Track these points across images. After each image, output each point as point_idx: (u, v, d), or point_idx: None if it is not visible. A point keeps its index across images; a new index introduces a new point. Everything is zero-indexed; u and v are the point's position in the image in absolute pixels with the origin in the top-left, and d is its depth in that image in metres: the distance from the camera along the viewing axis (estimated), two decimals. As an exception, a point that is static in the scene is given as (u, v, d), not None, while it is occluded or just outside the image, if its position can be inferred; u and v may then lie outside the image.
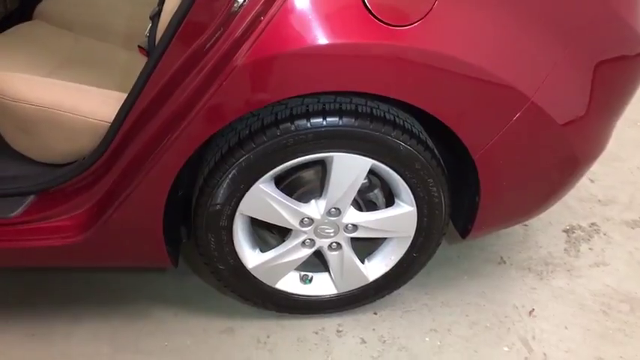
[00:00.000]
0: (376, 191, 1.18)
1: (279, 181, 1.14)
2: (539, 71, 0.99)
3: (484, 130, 1.03)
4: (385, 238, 1.26)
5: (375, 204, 1.19)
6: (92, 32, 1.47)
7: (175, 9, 0.94)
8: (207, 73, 0.93)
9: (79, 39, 1.42)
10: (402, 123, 1.03)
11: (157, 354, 1.22)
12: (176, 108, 0.97)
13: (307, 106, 0.99)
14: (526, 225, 1.65)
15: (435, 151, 1.10)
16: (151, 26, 1.13)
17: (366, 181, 1.15)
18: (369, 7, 0.87)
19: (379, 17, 0.87)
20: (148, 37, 1.14)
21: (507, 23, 0.95)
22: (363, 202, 1.19)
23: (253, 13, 0.88)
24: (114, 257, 1.19)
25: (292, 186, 1.15)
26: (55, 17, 1.49)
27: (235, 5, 0.90)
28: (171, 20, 0.94)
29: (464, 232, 1.26)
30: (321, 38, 0.87)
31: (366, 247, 1.29)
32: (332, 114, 0.99)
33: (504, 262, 1.53)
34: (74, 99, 1.10)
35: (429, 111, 0.98)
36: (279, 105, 1.00)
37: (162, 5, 1.08)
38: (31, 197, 1.13)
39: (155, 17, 1.11)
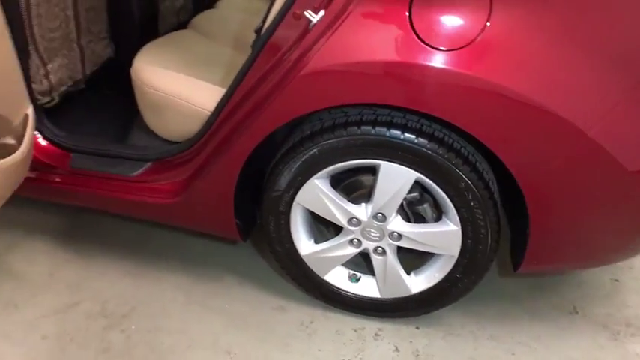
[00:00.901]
0: (425, 206, 1.23)
1: (340, 182, 1.27)
2: (597, 106, 0.96)
3: (529, 158, 1.03)
4: (434, 255, 1.29)
5: (423, 218, 1.24)
6: (226, 41, 1.77)
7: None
8: (281, 76, 1.11)
9: (213, 45, 1.72)
10: (450, 142, 1.08)
11: (218, 312, 1.43)
12: (256, 101, 1.16)
13: (362, 116, 1.11)
14: (617, 280, 1.51)
15: (485, 174, 1.12)
16: (255, 38, 1.36)
17: (416, 194, 1.22)
18: (416, 30, 0.96)
19: (425, 40, 0.96)
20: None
21: (562, 53, 0.95)
22: (412, 214, 1.25)
23: (319, 32, 1.04)
24: (196, 221, 1.44)
25: (350, 187, 1.27)
26: (203, 28, 1.83)
27: (310, 25, 1.07)
28: (262, 35, 1.15)
29: (515, 265, 1.23)
30: (368, 55, 0.99)
31: (416, 259, 1.34)
32: (381, 125, 1.09)
33: (576, 313, 1.42)
34: (190, 91, 1.37)
35: (471, 133, 1.02)
36: (337, 111, 1.13)
37: (264, 22, 1.30)
38: (149, 164, 1.44)
39: (259, 31, 1.33)
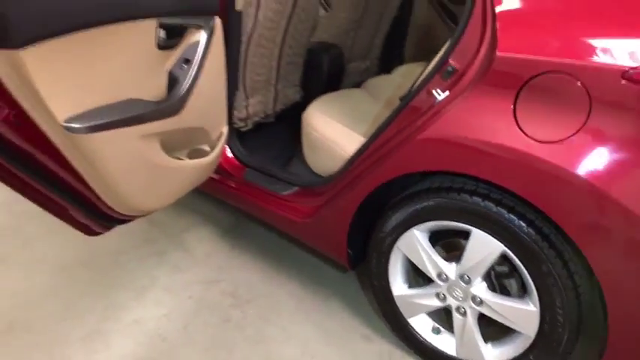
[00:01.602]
0: (512, 280, 1.30)
1: (442, 239, 1.42)
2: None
3: (610, 257, 1.05)
4: (515, 332, 1.33)
5: (509, 292, 1.31)
6: (383, 102, 2.06)
7: (405, 95, 1.39)
8: (404, 138, 1.34)
9: (373, 104, 2.03)
10: (539, 225, 1.16)
11: (316, 325, 1.67)
12: (382, 154, 1.41)
13: (464, 185, 1.27)
14: None
15: (571, 265, 1.15)
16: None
17: (505, 268, 1.30)
18: (518, 119, 1.10)
19: (524, 130, 1.09)
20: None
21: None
22: (499, 285, 1.32)
23: (440, 108, 1.24)
24: (318, 242, 1.72)
25: (448, 246, 1.42)
26: (372, 89, 2.16)
27: (436, 101, 1.28)
28: (401, 102, 1.40)
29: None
30: (473, 134, 1.16)
31: (499, 332, 1.39)
32: (478, 195, 1.23)
33: None
34: (341, 138, 1.69)
35: (552, 218, 1.09)
36: (445, 177, 1.31)
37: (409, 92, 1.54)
38: (297, 188, 1.79)
39: (403, 98, 1.58)
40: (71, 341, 1.58)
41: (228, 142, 1.89)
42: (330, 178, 1.63)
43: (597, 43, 1.02)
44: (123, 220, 1.47)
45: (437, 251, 1.41)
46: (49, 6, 0.99)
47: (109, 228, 1.48)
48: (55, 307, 1.72)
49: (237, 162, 1.92)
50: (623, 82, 0.97)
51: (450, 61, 1.24)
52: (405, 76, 2.33)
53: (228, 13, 1.67)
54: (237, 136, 1.97)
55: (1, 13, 0.89)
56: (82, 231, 1.44)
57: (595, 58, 1.00)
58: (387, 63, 2.78)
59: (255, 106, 2.11)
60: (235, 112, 2.01)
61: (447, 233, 1.41)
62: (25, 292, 1.78)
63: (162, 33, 1.35)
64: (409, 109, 1.35)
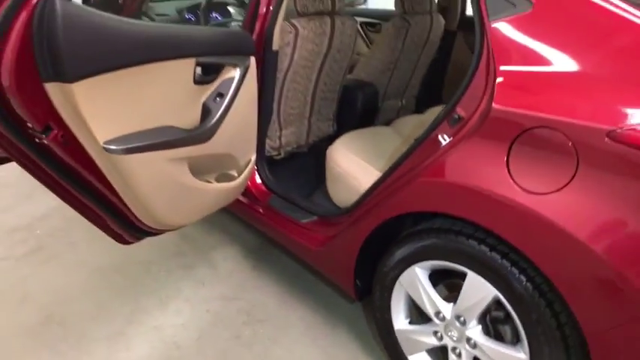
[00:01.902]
0: (507, 327, 1.32)
1: (444, 279, 1.47)
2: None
3: (595, 313, 1.07)
4: (508, 378, 1.35)
5: (502, 337, 1.33)
6: (406, 142, 2.14)
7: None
8: (410, 178, 1.41)
9: (396, 142, 2.11)
10: (531, 273, 1.19)
11: (321, 350, 1.74)
12: (389, 192, 1.49)
13: (462, 228, 1.32)
14: None
15: (562, 316, 1.17)
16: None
17: (501, 313, 1.33)
18: (510, 169, 1.15)
19: (515, 179, 1.14)
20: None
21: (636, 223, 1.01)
22: (494, 330, 1.35)
23: (443, 152, 1.32)
24: (329, 270, 1.80)
25: (449, 286, 1.46)
26: (399, 128, 2.25)
27: (440, 146, 1.35)
28: (411, 145, 1.48)
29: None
30: (468, 180, 1.22)
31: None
32: (475, 239, 1.28)
33: None
34: (360, 173, 1.78)
35: (540, 268, 1.13)
36: (446, 219, 1.37)
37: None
38: (315, 217, 1.89)
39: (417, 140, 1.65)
40: (97, 339, 1.74)
41: (258, 169, 2.02)
42: (345, 210, 1.72)
43: (586, 102, 1.07)
44: (152, 232, 1.62)
45: (439, 290, 1.46)
46: (101, 47, 1.17)
47: (139, 239, 1.64)
48: (87, 306, 1.89)
49: (264, 188, 2.06)
50: (608, 140, 1.01)
51: (457, 109, 1.32)
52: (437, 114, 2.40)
53: (265, 53, 1.83)
54: (267, 163, 2.10)
55: (58, 52, 1.07)
56: (116, 239, 1.60)
57: (582, 116, 1.05)
58: (424, 102, 2.86)
59: (288, 137, 2.25)
60: (268, 141, 2.15)
61: (450, 273, 1.45)
62: (65, 290, 1.97)
63: (199, 70, 1.51)
64: (418, 151, 1.42)
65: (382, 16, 3.49)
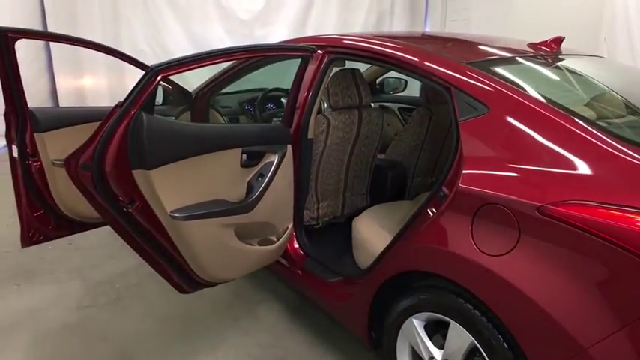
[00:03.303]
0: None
1: (440, 328, 1.72)
2: (597, 329, 1.20)
3: (545, 354, 1.30)
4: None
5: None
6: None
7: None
8: (405, 244, 1.73)
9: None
10: (497, 322, 1.44)
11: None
12: (390, 254, 1.80)
13: (445, 284, 1.60)
14: None
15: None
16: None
17: (480, 359, 1.56)
18: (473, 235, 1.45)
19: (476, 244, 1.44)
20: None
21: (571, 280, 1.25)
22: (478, 373, 1.57)
23: (426, 223, 1.63)
24: (348, 321, 2.09)
25: (445, 335, 1.71)
26: (418, 202, 2.56)
27: (429, 218, 1.67)
28: (411, 216, 1.81)
29: None
30: (440, 244, 1.53)
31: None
32: (454, 293, 1.55)
33: None
34: (377, 240, 2.11)
35: (504, 322, 1.38)
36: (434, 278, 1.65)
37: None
38: (340, 277, 2.21)
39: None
40: (157, 373, 2.13)
41: (297, 234, 2.40)
42: (364, 271, 2.04)
43: (525, 183, 1.38)
44: (204, 284, 2.03)
45: (436, 338, 1.71)
46: (171, 145, 1.65)
47: (195, 289, 2.05)
48: (154, 346, 2.30)
49: (301, 251, 2.42)
50: (537, 214, 1.30)
51: (443, 187, 1.65)
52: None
53: (301, 140, 2.27)
54: (306, 231, 2.47)
55: (142, 150, 1.56)
56: (176, 289, 2.02)
57: (520, 195, 1.35)
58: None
59: (324, 209, 2.64)
60: (307, 212, 2.55)
61: (445, 324, 1.71)
62: (136, 332, 2.40)
63: (244, 157, 1.97)
64: (415, 222, 1.75)
65: (417, 102, 3.92)
